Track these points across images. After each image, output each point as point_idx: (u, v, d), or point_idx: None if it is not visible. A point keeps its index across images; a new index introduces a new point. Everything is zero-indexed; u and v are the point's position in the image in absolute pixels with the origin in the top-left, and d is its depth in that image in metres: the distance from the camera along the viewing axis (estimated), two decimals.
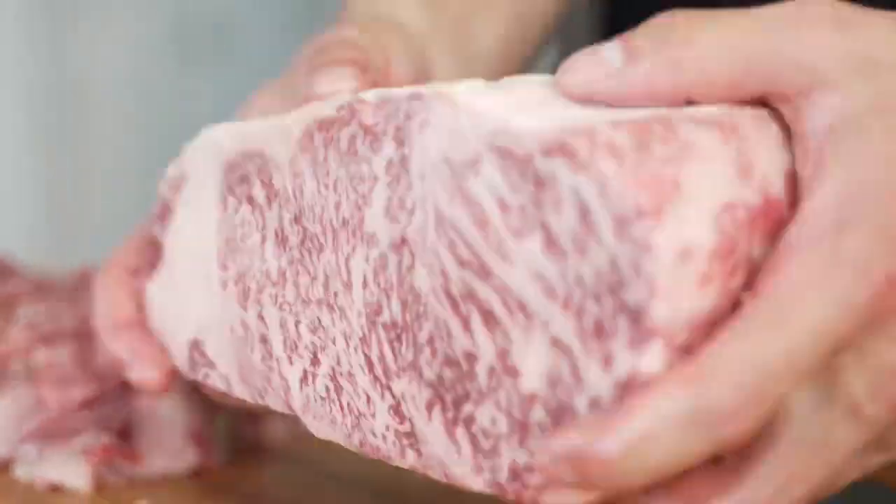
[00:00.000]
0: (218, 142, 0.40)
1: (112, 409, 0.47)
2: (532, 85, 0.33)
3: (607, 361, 0.28)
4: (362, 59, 0.42)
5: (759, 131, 0.31)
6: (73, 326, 0.49)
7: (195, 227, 0.41)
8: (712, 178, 0.29)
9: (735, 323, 0.28)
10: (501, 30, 0.57)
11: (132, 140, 2.35)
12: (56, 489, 0.44)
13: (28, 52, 2.13)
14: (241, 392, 0.40)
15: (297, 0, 2.79)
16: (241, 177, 0.39)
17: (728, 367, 0.28)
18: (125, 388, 0.47)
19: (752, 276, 0.29)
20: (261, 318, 0.38)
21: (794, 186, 0.30)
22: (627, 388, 0.28)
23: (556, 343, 0.29)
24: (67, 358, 0.47)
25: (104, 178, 2.37)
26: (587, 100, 0.31)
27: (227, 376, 0.40)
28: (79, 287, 0.51)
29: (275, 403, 0.39)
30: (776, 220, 0.30)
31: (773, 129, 0.31)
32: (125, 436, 0.46)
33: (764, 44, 0.30)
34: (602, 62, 0.31)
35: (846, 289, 0.28)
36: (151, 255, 0.43)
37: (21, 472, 0.45)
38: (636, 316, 0.28)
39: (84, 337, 0.48)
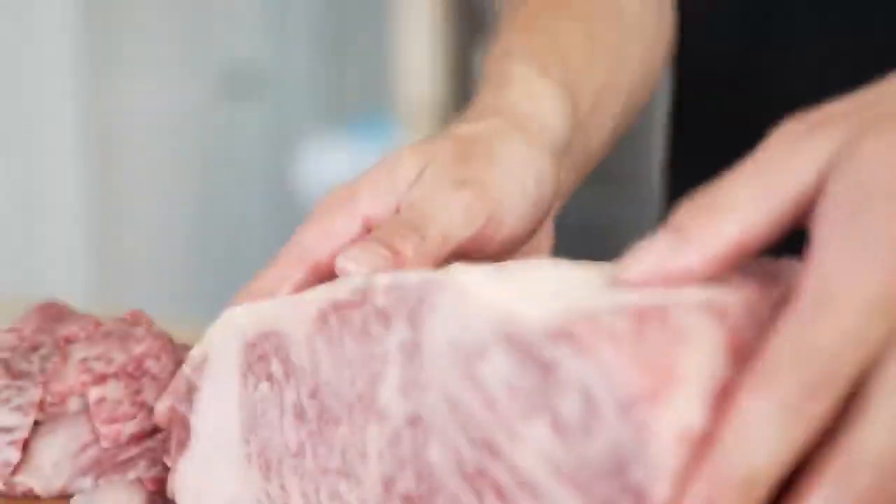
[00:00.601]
0: (237, 323, 0.41)
1: (162, 442, 0.49)
2: (543, 269, 0.34)
3: None
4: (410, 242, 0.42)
5: (749, 314, 0.32)
6: (125, 365, 0.51)
7: (218, 405, 0.42)
8: (705, 361, 0.30)
9: (785, 319, 0.29)
10: (610, 127, 0.55)
11: (183, 185, 2.38)
12: None
13: (81, 99, 2.16)
14: None
15: (323, 46, 2.82)
16: (260, 356, 0.40)
17: (791, 357, 0.29)
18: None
19: None
20: (283, 488, 0.39)
21: None
22: None
23: None
24: (120, 395, 0.50)
25: (153, 222, 2.40)
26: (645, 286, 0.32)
27: None
28: (129, 329, 0.53)
29: None
30: None
31: (764, 309, 0.32)
32: None
33: None
34: (654, 254, 0.33)
35: (885, 258, 0.29)
36: (181, 433, 0.44)
37: None
38: (640, 496, 0.29)
39: (134, 375, 0.51)
